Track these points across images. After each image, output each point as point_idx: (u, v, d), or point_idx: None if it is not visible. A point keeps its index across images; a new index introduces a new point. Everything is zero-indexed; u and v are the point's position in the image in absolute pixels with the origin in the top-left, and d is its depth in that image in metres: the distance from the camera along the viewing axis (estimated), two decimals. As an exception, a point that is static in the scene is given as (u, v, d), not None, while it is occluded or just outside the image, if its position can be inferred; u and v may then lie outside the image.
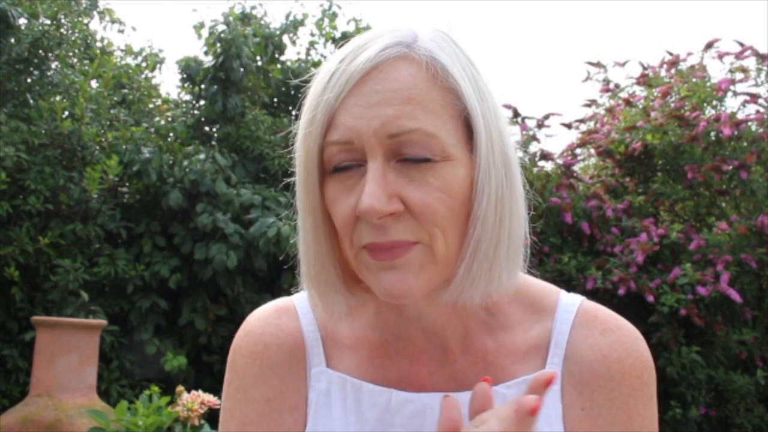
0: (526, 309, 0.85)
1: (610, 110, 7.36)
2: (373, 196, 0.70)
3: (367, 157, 0.72)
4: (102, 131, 6.25)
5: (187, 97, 7.44)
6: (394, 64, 0.73)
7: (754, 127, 6.38)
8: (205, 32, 7.03)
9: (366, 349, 0.85)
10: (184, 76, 7.09)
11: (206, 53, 6.99)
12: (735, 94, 6.66)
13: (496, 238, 0.75)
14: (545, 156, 6.93)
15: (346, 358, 0.85)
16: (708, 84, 6.63)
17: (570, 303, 0.85)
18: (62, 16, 6.40)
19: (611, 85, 7.50)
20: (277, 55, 7.62)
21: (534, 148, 6.90)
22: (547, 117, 6.93)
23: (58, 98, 5.93)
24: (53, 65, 6.41)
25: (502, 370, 0.81)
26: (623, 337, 0.82)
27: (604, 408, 0.79)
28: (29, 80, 6.28)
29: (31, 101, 6.21)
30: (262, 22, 7.64)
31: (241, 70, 6.81)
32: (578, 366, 0.81)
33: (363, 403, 0.82)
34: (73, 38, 6.74)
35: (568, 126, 7.43)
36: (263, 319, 0.89)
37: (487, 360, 0.82)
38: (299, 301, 0.90)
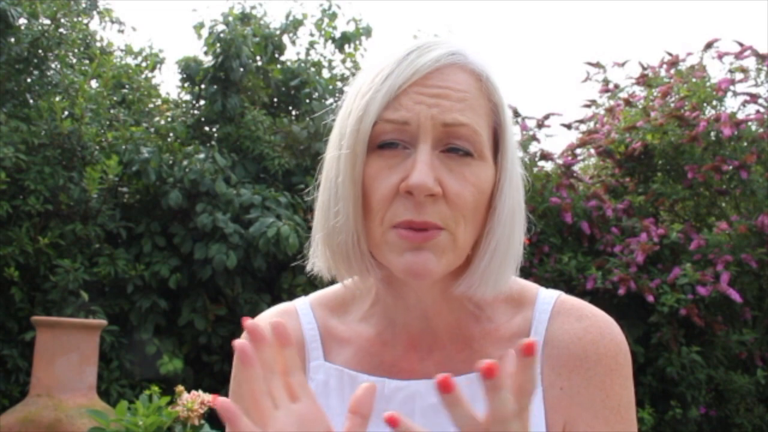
0: (509, 302, 0.91)
1: (610, 110, 7.36)
2: (424, 174, 0.77)
3: (418, 140, 0.79)
4: (102, 131, 6.25)
5: (187, 97, 7.43)
6: (454, 69, 0.82)
7: (754, 127, 6.38)
8: (204, 32, 7.03)
9: (361, 341, 0.91)
10: (184, 76, 7.09)
11: (206, 53, 6.99)
12: (735, 94, 6.66)
13: (507, 241, 0.84)
14: (545, 156, 6.94)
15: (343, 351, 0.91)
16: (708, 84, 6.64)
17: (549, 296, 0.91)
18: (62, 16, 6.39)
19: (611, 86, 7.50)
20: (276, 55, 7.62)
21: (534, 148, 6.91)
22: (547, 117, 6.94)
23: (57, 98, 5.93)
24: (53, 65, 6.40)
25: (486, 356, 0.86)
26: (597, 321, 0.88)
27: (582, 387, 0.84)
28: (29, 80, 6.27)
29: (31, 101, 6.21)
30: (262, 22, 7.64)
31: (241, 70, 6.81)
32: (556, 349, 0.86)
33: None
34: (72, 38, 6.73)
35: (568, 126, 7.43)
36: (265, 319, 0.95)
37: (473, 347, 0.88)
38: (299, 303, 0.97)
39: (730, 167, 6.20)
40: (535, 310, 0.89)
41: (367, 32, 7.84)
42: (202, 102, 7.19)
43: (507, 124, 0.84)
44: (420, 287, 0.86)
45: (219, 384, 5.83)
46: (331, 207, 0.83)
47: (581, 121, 7.54)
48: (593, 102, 7.61)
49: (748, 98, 6.58)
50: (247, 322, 0.74)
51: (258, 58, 7.41)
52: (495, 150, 0.84)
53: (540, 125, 6.90)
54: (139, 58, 8.22)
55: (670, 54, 7.17)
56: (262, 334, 0.73)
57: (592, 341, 0.85)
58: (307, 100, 7.39)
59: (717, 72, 8.48)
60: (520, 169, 0.87)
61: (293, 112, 7.71)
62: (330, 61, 7.98)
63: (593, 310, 0.89)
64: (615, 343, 0.86)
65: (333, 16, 7.86)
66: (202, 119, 7.14)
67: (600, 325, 0.87)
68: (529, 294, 0.92)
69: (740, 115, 6.48)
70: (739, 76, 6.70)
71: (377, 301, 0.92)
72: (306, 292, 1.05)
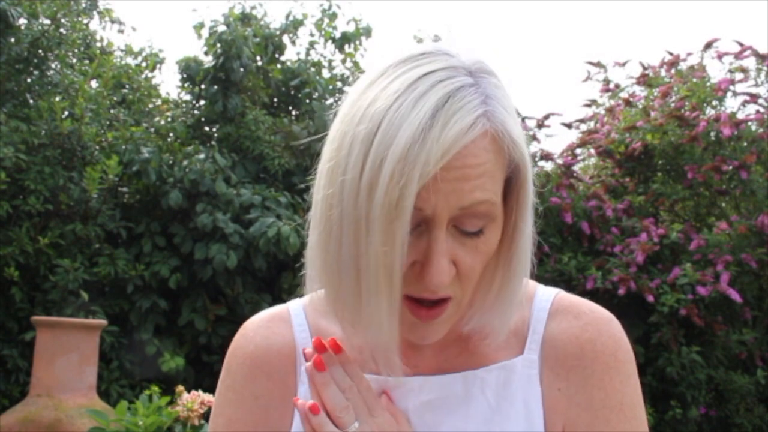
0: None
1: (610, 110, 7.36)
2: (443, 271, 0.73)
3: (433, 226, 0.73)
4: (102, 131, 6.25)
5: (187, 97, 7.44)
6: (476, 141, 0.72)
7: (754, 127, 6.38)
8: (205, 32, 7.03)
9: (353, 342, 0.89)
10: (184, 76, 7.09)
11: (206, 53, 6.99)
12: (735, 94, 6.66)
13: (520, 278, 0.81)
14: (545, 156, 6.94)
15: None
16: (708, 84, 6.64)
17: (547, 294, 0.90)
18: (62, 16, 6.40)
19: (611, 85, 7.50)
20: (277, 56, 7.62)
21: (534, 148, 6.91)
22: (547, 117, 6.94)
23: (57, 98, 5.93)
24: (53, 65, 6.41)
25: (483, 355, 0.86)
26: (595, 319, 0.86)
27: (580, 386, 0.82)
28: (29, 80, 6.28)
29: (31, 101, 6.21)
30: (262, 22, 7.64)
31: (241, 70, 6.81)
32: (554, 349, 0.84)
33: None
34: (72, 38, 6.73)
35: (568, 126, 7.43)
36: (257, 323, 0.95)
37: (470, 349, 0.87)
38: (293, 306, 0.96)
39: (730, 167, 6.20)
40: (533, 308, 0.88)
41: (367, 32, 7.85)
42: (202, 102, 7.19)
43: (527, 171, 0.78)
44: None
45: (219, 384, 5.83)
46: (346, 282, 0.76)
47: (581, 121, 7.53)
48: (593, 102, 7.61)
49: (748, 98, 6.58)
50: (315, 340, 0.78)
51: (258, 58, 7.41)
52: (506, 194, 0.78)
53: (540, 125, 6.90)
54: (139, 58, 8.22)
55: (670, 54, 7.17)
56: (330, 349, 0.75)
57: (589, 339, 0.84)
58: (307, 100, 7.39)
59: (717, 72, 8.49)
60: (533, 198, 0.81)
61: (293, 112, 7.71)
62: (330, 61, 7.99)
63: (592, 306, 0.88)
64: (613, 339, 0.84)
65: (333, 16, 7.86)
66: (203, 119, 7.15)
67: (598, 322, 0.85)
68: (527, 292, 0.89)
69: (740, 115, 6.48)
70: (739, 76, 6.70)
71: None
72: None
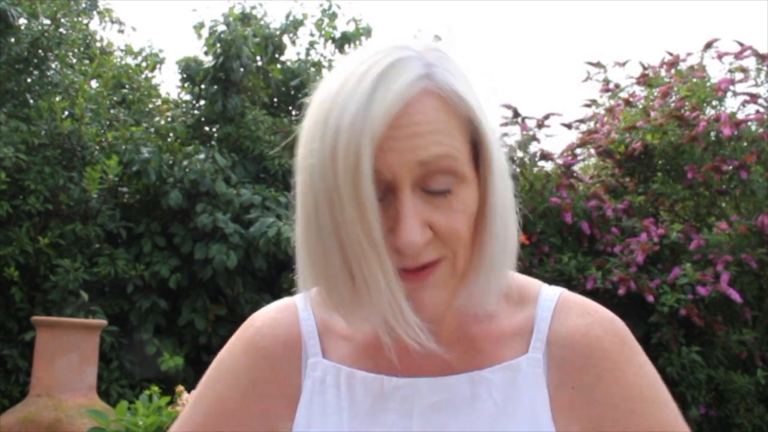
0: (510, 299, 0.89)
1: (610, 110, 7.36)
2: (412, 230, 0.74)
3: (397, 188, 0.75)
4: (102, 131, 6.25)
5: (187, 97, 7.44)
6: (421, 99, 0.76)
7: (754, 127, 6.38)
8: (205, 32, 7.03)
9: (359, 339, 0.90)
10: (184, 76, 7.09)
11: (206, 53, 6.99)
12: (735, 94, 6.66)
13: (503, 248, 0.81)
14: (545, 156, 6.93)
15: (341, 348, 0.90)
16: (708, 84, 6.63)
17: (551, 293, 0.90)
18: (62, 16, 6.40)
19: (611, 85, 7.50)
20: (277, 56, 7.62)
21: (534, 148, 6.91)
22: (547, 117, 6.93)
23: (57, 98, 5.93)
24: (53, 65, 6.41)
25: (488, 355, 0.86)
26: (600, 318, 0.87)
27: (594, 385, 0.83)
28: (29, 80, 6.28)
29: (31, 101, 6.21)
30: (262, 22, 7.64)
31: (241, 70, 6.81)
32: (560, 348, 0.85)
33: (356, 390, 0.86)
34: (72, 38, 6.73)
35: (568, 126, 7.43)
36: (264, 313, 0.96)
37: (476, 347, 0.87)
38: (299, 299, 0.96)
39: (730, 167, 6.20)
40: (537, 307, 0.88)
41: (367, 32, 7.85)
42: (202, 102, 7.19)
43: (485, 130, 0.79)
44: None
45: (219, 384, 5.83)
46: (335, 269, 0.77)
47: (581, 121, 7.53)
48: (593, 102, 7.61)
49: (748, 98, 6.58)
50: None
51: (258, 58, 7.42)
52: (476, 159, 0.80)
53: (540, 125, 6.90)
54: (139, 58, 8.23)
55: (670, 54, 7.17)
56: None
57: (596, 338, 0.84)
58: (308, 101, 7.37)
59: (717, 72, 8.47)
60: (506, 160, 0.83)
61: (293, 112, 7.71)
62: (330, 61, 7.98)
63: (595, 306, 0.88)
64: (619, 336, 0.85)
65: (333, 16, 7.87)
66: (203, 119, 7.15)
67: (603, 322, 0.86)
68: (531, 291, 0.90)
69: (740, 115, 6.48)
70: (739, 76, 6.69)
71: None
72: (307, 292, 1.04)
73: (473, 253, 0.80)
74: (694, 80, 6.67)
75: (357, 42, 7.82)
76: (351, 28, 7.82)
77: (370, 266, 0.74)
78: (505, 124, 7.00)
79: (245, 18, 7.50)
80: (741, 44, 6.68)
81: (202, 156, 6.20)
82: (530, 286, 0.91)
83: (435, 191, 0.76)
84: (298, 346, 0.91)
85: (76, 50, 6.99)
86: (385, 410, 0.85)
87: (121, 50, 8.27)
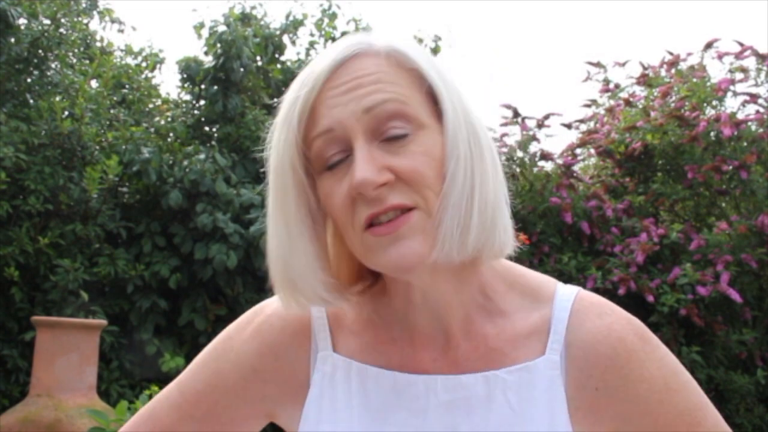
0: (524, 297, 0.88)
1: (610, 110, 7.36)
2: (364, 169, 0.75)
3: (351, 141, 0.77)
4: (102, 131, 6.25)
5: (187, 97, 7.43)
6: (358, 59, 0.80)
7: (754, 127, 6.38)
8: (205, 32, 7.03)
9: (371, 335, 0.89)
10: (184, 76, 7.09)
11: (206, 53, 6.99)
12: (735, 94, 6.66)
13: (468, 195, 0.78)
14: (545, 156, 6.94)
15: (352, 343, 0.89)
16: (708, 84, 6.63)
17: (568, 293, 0.88)
18: (62, 16, 6.39)
19: (611, 85, 7.50)
20: (277, 56, 7.62)
21: (534, 148, 6.91)
22: (547, 117, 6.94)
23: (57, 98, 5.93)
24: (53, 65, 6.40)
25: (503, 355, 0.84)
26: (618, 318, 0.86)
27: (620, 385, 0.83)
28: (29, 80, 6.27)
29: (31, 101, 6.21)
30: (262, 22, 7.64)
31: (241, 70, 6.81)
32: (581, 350, 0.84)
33: (367, 386, 0.85)
34: (72, 38, 6.73)
35: (568, 126, 7.43)
36: (276, 301, 0.94)
37: (489, 345, 0.85)
38: None
39: (730, 167, 6.20)
40: (554, 307, 0.86)
41: (367, 32, 7.85)
42: (202, 102, 7.19)
43: (440, 83, 0.80)
44: (421, 282, 0.83)
45: (219, 384, 5.83)
46: (276, 241, 0.84)
47: (581, 121, 7.53)
48: (593, 102, 7.61)
49: (748, 98, 6.58)
50: None
51: (258, 58, 7.41)
52: (438, 112, 0.81)
53: (540, 125, 6.90)
54: (139, 58, 8.22)
55: (670, 54, 7.17)
56: None
57: (619, 338, 0.84)
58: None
59: (717, 72, 8.47)
60: (480, 124, 0.83)
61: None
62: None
63: (611, 306, 0.88)
64: (639, 334, 0.85)
65: (333, 17, 7.86)
66: (203, 119, 7.14)
67: (622, 322, 0.85)
68: (547, 290, 0.88)
69: (740, 115, 6.48)
70: (739, 76, 6.70)
71: (384, 300, 0.89)
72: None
73: (440, 201, 0.78)
74: (694, 80, 6.68)
75: (357, 42, 7.81)
76: (351, 28, 7.82)
77: (291, 233, 0.81)
78: (505, 124, 7.01)
79: (245, 18, 7.50)
80: (741, 44, 6.68)
81: (202, 156, 6.19)
82: (545, 285, 0.89)
83: (391, 137, 0.77)
84: (308, 339, 0.90)
85: (76, 50, 6.99)
86: (397, 407, 0.84)
87: (121, 50, 8.27)
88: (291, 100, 0.81)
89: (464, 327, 0.85)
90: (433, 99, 0.81)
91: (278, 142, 0.81)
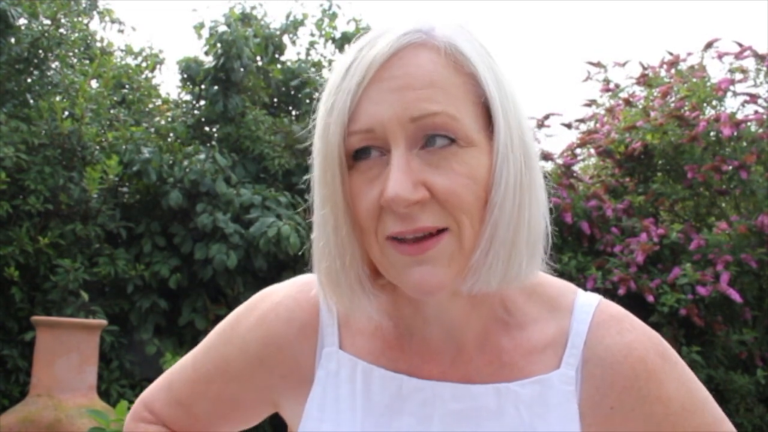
0: (543, 306, 0.84)
1: (610, 110, 7.36)
2: (399, 183, 0.69)
3: (390, 144, 0.71)
4: (102, 131, 6.25)
5: (187, 98, 7.43)
6: (414, 51, 0.73)
7: (753, 127, 6.37)
8: (205, 32, 7.03)
9: (380, 338, 0.85)
10: (185, 76, 7.09)
11: (206, 53, 6.99)
12: (735, 94, 6.66)
13: (515, 224, 0.73)
14: (545, 156, 6.93)
15: (359, 342, 0.86)
16: (708, 84, 6.63)
17: (587, 303, 0.84)
18: (62, 16, 6.39)
19: (611, 85, 7.50)
20: (277, 56, 7.62)
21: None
22: (547, 117, 6.93)
23: (58, 98, 5.93)
24: (53, 65, 6.40)
25: (518, 368, 0.81)
26: (640, 335, 0.82)
27: (637, 405, 0.80)
28: (29, 80, 6.27)
29: (31, 101, 6.21)
30: (263, 22, 7.64)
31: (242, 70, 6.81)
32: (599, 368, 0.80)
33: (373, 388, 0.82)
34: (72, 38, 6.73)
35: (568, 126, 7.43)
36: (285, 289, 0.92)
37: (503, 359, 0.82)
38: None
39: (730, 167, 6.20)
40: (572, 319, 0.82)
41: (367, 32, 7.84)
42: (202, 102, 7.19)
43: (496, 94, 0.74)
44: (437, 303, 0.80)
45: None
46: (317, 232, 0.78)
47: (581, 121, 7.53)
48: (593, 102, 7.61)
49: (747, 98, 6.58)
50: None
51: (258, 58, 7.42)
52: (490, 127, 0.74)
53: (540, 125, 6.90)
54: (139, 58, 8.22)
55: (670, 54, 7.17)
56: None
57: (640, 359, 0.80)
58: (308, 100, 7.39)
59: (717, 72, 8.49)
60: (532, 141, 0.76)
61: (293, 112, 7.71)
62: (330, 61, 7.97)
63: (632, 320, 0.84)
64: (659, 353, 0.82)
65: (333, 16, 7.86)
66: (203, 119, 7.14)
67: (643, 340, 0.82)
68: (566, 299, 0.85)
69: (740, 115, 6.48)
70: (738, 76, 6.69)
71: (397, 307, 0.85)
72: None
73: (480, 229, 0.73)
74: (694, 80, 6.67)
75: (357, 42, 7.81)
76: (351, 28, 7.82)
77: (326, 224, 0.76)
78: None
79: (245, 18, 7.50)
80: (741, 44, 6.68)
81: (202, 156, 6.20)
82: (565, 293, 0.86)
83: (435, 145, 0.71)
84: (314, 333, 0.87)
85: (76, 50, 6.99)
86: (402, 412, 0.81)
87: (121, 50, 8.27)
88: (334, 91, 0.74)
89: (479, 341, 0.82)
90: (486, 111, 0.74)
91: (325, 131, 0.74)
